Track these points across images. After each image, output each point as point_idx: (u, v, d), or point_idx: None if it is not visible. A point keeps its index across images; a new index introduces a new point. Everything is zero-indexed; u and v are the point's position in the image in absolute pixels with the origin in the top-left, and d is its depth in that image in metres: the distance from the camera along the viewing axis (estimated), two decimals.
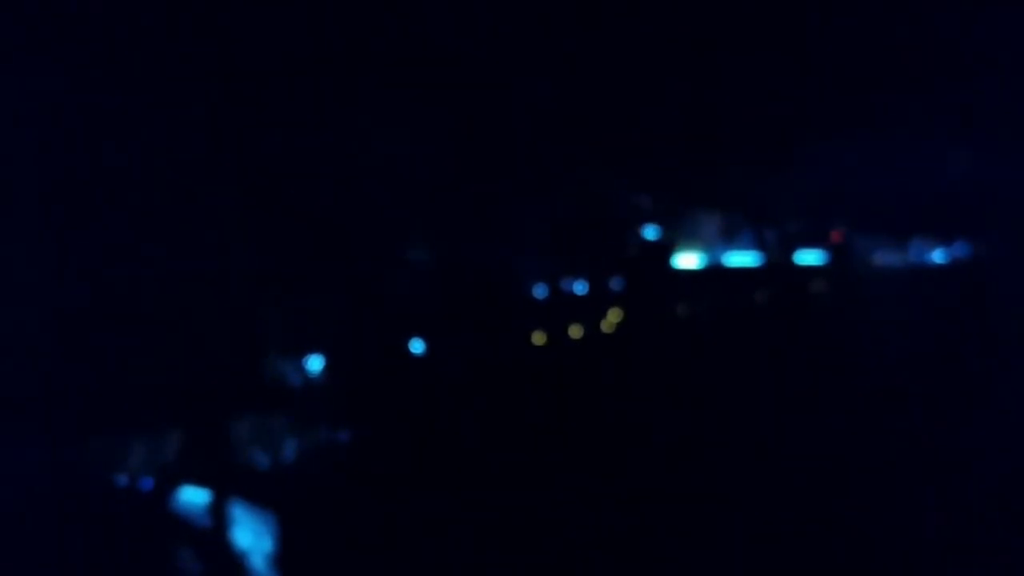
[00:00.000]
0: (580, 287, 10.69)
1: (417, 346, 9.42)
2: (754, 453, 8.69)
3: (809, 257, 11.19)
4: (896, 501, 7.89)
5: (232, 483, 7.89)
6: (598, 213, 10.97)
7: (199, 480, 7.84)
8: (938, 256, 10.96)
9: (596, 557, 7.57)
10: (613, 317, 10.69)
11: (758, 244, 11.27)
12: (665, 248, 11.16)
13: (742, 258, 11.28)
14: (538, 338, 10.18)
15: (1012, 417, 8.56)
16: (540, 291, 10.40)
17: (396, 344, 9.37)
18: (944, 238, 10.89)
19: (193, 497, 7.78)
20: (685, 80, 9.99)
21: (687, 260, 11.22)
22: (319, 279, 8.86)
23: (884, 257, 11.11)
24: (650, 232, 11.19)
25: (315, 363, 8.84)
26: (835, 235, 11.12)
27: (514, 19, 9.06)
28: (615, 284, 10.83)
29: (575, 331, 10.45)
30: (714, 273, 11.30)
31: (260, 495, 7.81)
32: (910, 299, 10.56)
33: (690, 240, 11.22)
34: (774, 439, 8.88)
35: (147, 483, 7.74)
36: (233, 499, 7.78)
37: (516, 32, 9.22)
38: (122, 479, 7.68)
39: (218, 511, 7.74)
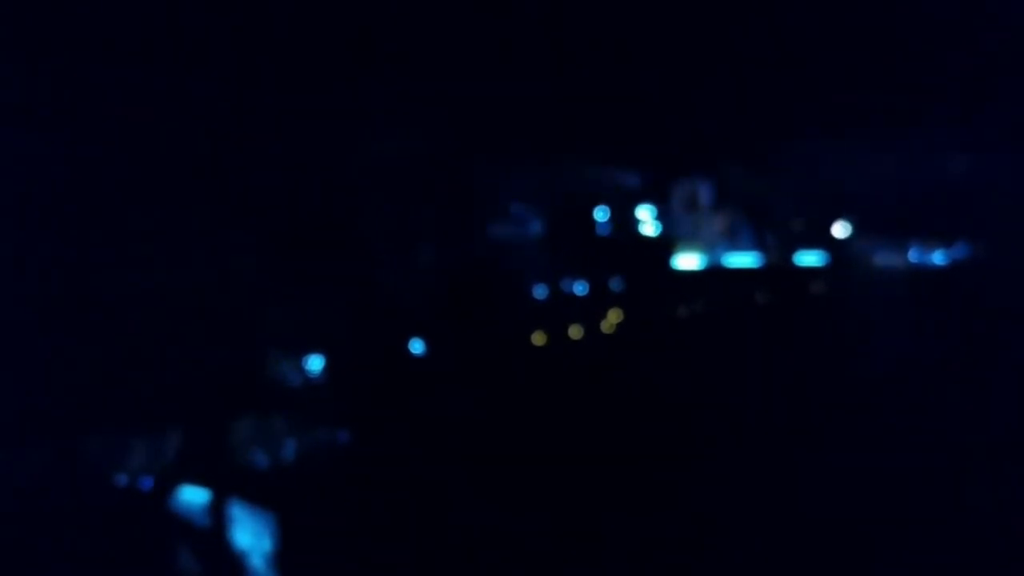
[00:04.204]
0: (580, 287, 10.70)
1: (417, 347, 9.43)
2: (753, 453, 8.69)
3: (810, 258, 11.21)
4: (895, 499, 7.89)
5: (232, 483, 7.89)
6: (598, 214, 10.97)
7: (199, 480, 7.84)
8: (938, 258, 10.97)
9: (595, 553, 7.57)
10: (613, 318, 10.70)
11: (759, 245, 11.28)
12: (665, 249, 11.18)
13: (742, 259, 11.29)
14: (538, 338, 10.18)
15: (1011, 415, 8.58)
16: (540, 291, 10.41)
17: (396, 345, 9.37)
18: (944, 240, 10.90)
19: (193, 497, 7.78)
20: (686, 82, 9.99)
21: (687, 261, 11.23)
22: (320, 280, 8.86)
23: (885, 258, 11.12)
24: (650, 233, 11.20)
25: (315, 363, 8.84)
26: (836, 228, 11.14)
27: (518, 18, 9.06)
28: (615, 285, 10.84)
29: (575, 331, 10.45)
30: (714, 274, 11.32)
31: (260, 495, 7.81)
32: (910, 300, 10.57)
33: (691, 241, 11.24)
34: (773, 439, 8.89)
35: (147, 483, 7.74)
36: (233, 499, 7.78)
37: (518, 31, 9.22)
38: (122, 479, 7.68)
39: (218, 511, 7.74)
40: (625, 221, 11.08)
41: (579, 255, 10.76)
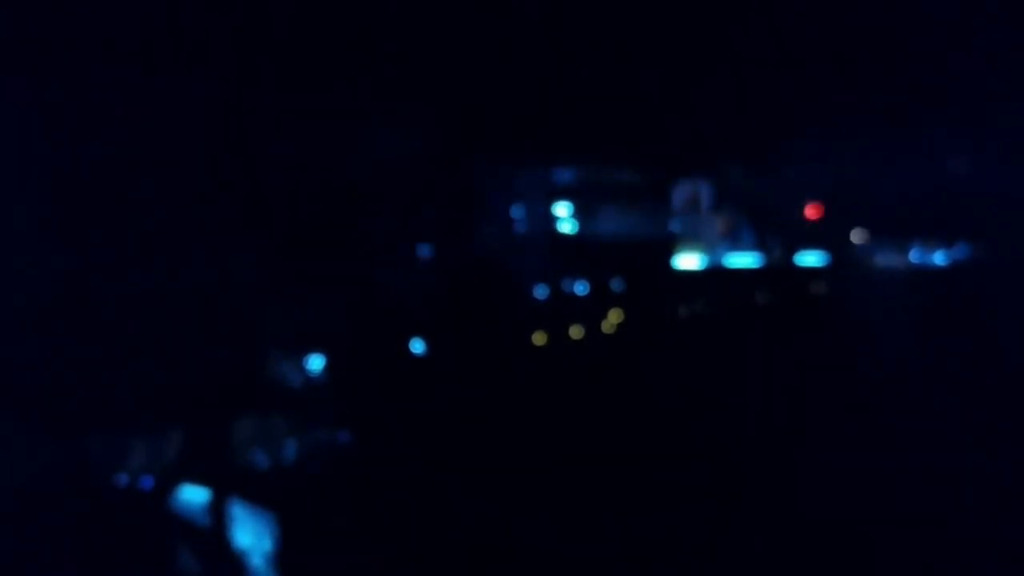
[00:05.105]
0: (581, 288, 10.70)
1: (418, 347, 9.43)
2: (754, 453, 8.69)
3: (810, 258, 11.21)
4: (895, 499, 7.89)
5: (232, 483, 7.90)
6: (599, 214, 10.97)
7: (199, 480, 7.84)
8: (939, 258, 10.97)
9: (596, 553, 7.57)
10: (614, 318, 10.70)
11: (759, 246, 11.28)
12: (666, 249, 11.18)
13: (743, 259, 11.29)
14: (539, 338, 10.18)
15: (1011, 415, 8.58)
16: (541, 291, 10.41)
17: (397, 345, 9.38)
18: (945, 240, 10.90)
19: (193, 497, 7.79)
20: (686, 82, 9.99)
21: (688, 261, 11.23)
22: (320, 280, 8.87)
23: (885, 258, 11.12)
24: (651, 233, 11.19)
25: (315, 363, 8.85)
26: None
27: (517, 18, 9.07)
28: (616, 285, 10.84)
29: (576, 332, 10.45)
30: (715, 274, 11.32)
31: (260, 495, 7.81)
32: (910, 300, 10.56)
33: (691, 241, 11.24)
34: (773, 439, 8.89)
35: (148, 483, 7.74)
36: (233, 499, 7.79)
37: (518, 31, 9.22)
38: (123, 478, 7.68)
39: (218, 511, 7.74)
40: (625, 222, 11.08)
41: (579, 255, 10.76)
